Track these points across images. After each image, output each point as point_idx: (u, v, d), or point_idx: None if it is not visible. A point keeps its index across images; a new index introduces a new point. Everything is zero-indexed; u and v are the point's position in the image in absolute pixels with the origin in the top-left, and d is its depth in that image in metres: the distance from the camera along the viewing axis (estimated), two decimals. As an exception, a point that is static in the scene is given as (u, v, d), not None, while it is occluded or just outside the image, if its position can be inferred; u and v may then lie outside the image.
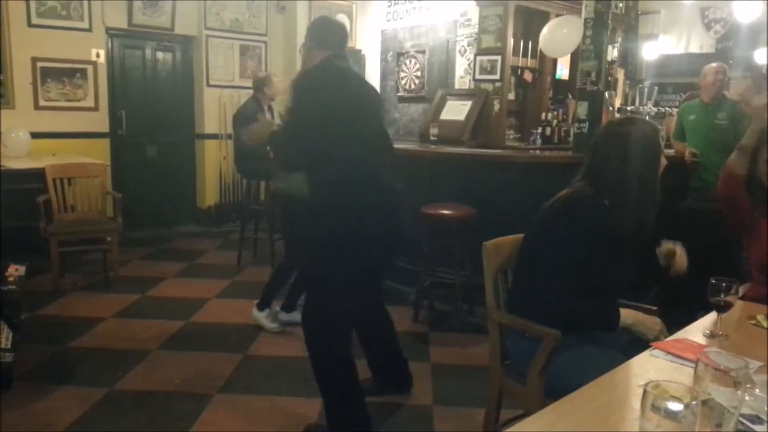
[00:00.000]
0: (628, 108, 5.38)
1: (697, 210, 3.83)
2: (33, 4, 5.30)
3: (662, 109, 5.46)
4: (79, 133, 5.65)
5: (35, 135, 5.15)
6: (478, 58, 5.44)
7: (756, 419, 1.14)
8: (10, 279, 2.83)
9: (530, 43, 5.58)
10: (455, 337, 3.64)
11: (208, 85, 6.45)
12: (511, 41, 5.34)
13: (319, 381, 2.40)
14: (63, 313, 3.85)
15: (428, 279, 3.90)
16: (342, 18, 6.28)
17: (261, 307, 3.66)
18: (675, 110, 4.81)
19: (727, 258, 3.19)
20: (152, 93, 6.29)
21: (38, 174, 4.35)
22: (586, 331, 1.87)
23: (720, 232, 2.95)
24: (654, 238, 2.07)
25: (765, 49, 5.26)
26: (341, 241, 2.26)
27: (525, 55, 5.61)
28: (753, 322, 1.76)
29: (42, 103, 5.47)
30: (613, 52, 5.91)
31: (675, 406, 0.91)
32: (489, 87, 5.35)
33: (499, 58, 5.27)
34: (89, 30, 5.65)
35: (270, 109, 4.86)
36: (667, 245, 2.06)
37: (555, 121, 5.62)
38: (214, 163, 6.59)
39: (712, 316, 1.72)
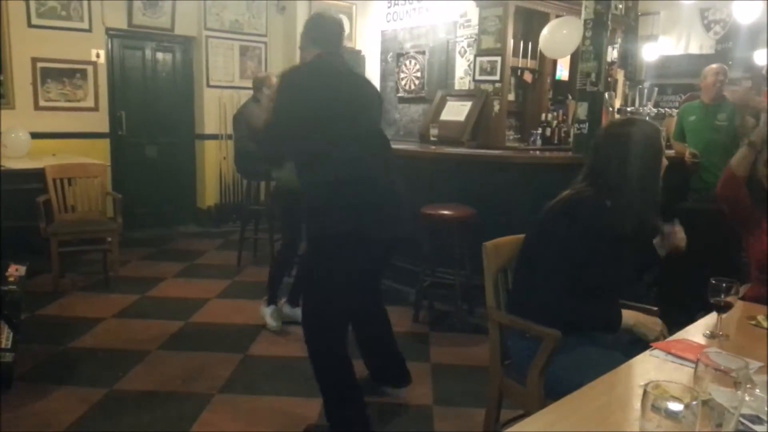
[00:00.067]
0: (628, 109, 5.37)
1: (697, 210, 3.83)
2: (33, 5, 5.30)
3: (662, 110, 5.46)
4: (79, 133, 5.65)
5: (35, 135, 5.15)
6: (478, 58, 5.44)
7: (756, 419, 1.14)
8: (11, 279, 2.83)
9: (530, 44, 5.59)
10: (455, 337, 3.65)
11: (208, 86, 6.45)
12: (510, 42, 5.34)
13: (319, 380, 2.40)
14: (63, 313, 3.85)
15: (428, 279, 3.90)
16: (342, 18, 6.27)
17: (269, 302, 3.68)
18: (675, 111, 4.81)
19: (727, 258, 3.19)
20: (152, 93, 6.29)
21: (38, 174, 4.35)
22: (586, 332, 1.87)
23: (720, 233, 2.96)
24: (654, 239, 2.07)
25: (765, 49, 5.27)
26: (340, 241, 2.26)
27: (525, 56, 5.62)
28: (753, 322, 1.76)
29: (42, 103, 5.46)
30: (612, 53, 5.92)
31: (675, 407, 0.90)
32: (489, 88, 5.35)
33: (498, 58, 5.27)
34: (89, 30, 5.65)
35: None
36: (663, 226, 2.05)
37: (555, 122, 5.62)
38: (214, 164, 6.59)
39: (712, 316, 1.71)
